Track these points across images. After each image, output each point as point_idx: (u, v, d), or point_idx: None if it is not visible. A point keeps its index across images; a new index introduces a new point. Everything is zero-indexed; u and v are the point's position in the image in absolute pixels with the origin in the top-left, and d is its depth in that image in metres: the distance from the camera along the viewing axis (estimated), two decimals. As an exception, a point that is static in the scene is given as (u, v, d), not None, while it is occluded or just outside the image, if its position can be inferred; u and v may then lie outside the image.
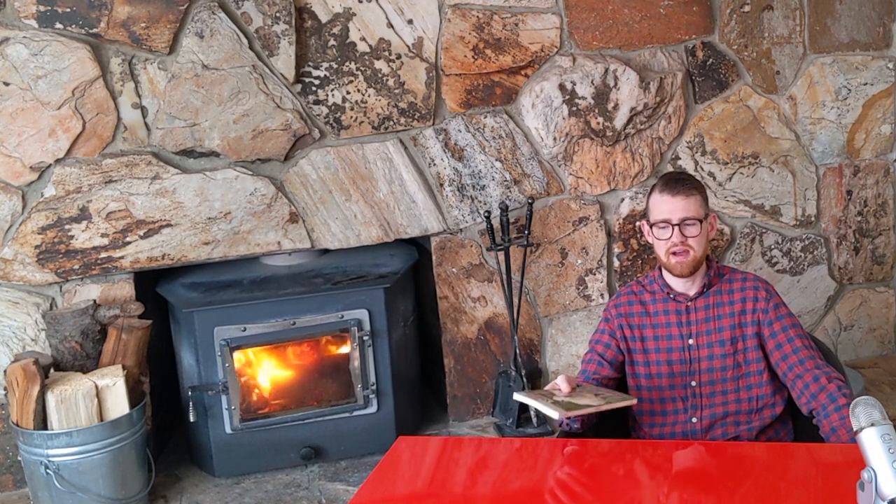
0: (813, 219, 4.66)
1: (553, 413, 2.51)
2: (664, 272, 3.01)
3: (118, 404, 3.62)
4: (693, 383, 2.94)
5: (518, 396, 2.74)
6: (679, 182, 2.94)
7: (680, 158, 4.45)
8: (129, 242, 3.89)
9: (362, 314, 4.00)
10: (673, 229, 2.87)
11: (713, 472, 2.59)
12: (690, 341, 2.95)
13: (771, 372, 2.93)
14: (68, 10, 3.67)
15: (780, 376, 2.91)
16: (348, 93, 4.02)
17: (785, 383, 2.90)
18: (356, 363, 4.03)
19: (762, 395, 2.92)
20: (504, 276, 4.23)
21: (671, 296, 2.99)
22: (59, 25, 3.68)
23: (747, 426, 2.92)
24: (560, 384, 2.71)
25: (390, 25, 4.01)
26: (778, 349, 2.90)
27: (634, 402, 2.69)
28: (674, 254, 2.88)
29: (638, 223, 3.06)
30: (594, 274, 4.42)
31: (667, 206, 2.89)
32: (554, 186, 4.33)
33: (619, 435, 3.02)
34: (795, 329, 2.92)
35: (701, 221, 2.89)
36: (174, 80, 3.81)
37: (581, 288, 4.43)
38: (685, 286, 2.98)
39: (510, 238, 4.20)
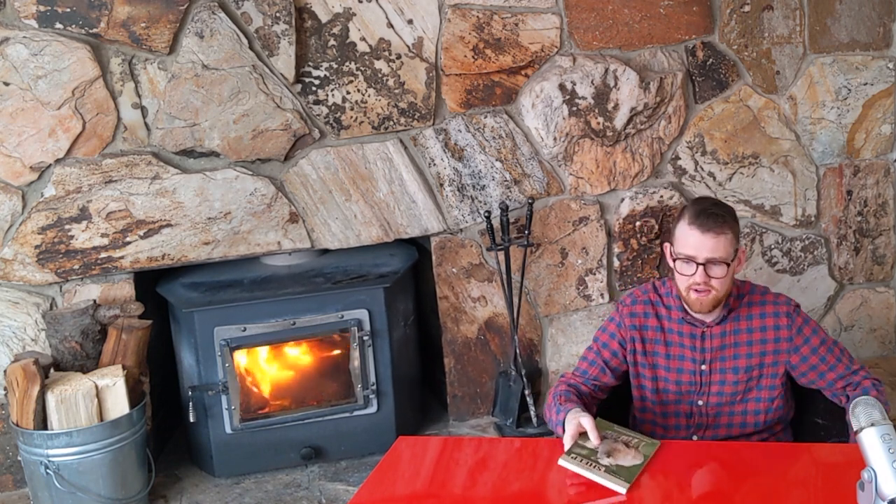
0: (813, 219, 4.66)
1: (620, 487, 2.40)
2: None
3: (118, 404, 3.62)
4: (700, 402, 2.89)
5: (566, 465, 2.52)
6: (712, 217, 2.73)
7: (680, 158, 4.45)
8: (129, 242, 3.89)
9: (362, 314, 4.00)
10: (697, 268, 2.70)
11: (713, 473, 2.59)
12: (703, 367, 2.87)
13: (780, 398, 2.89)
14: (68, 10, 3.67)
15: (817, 389, 2.89)
16: (348, 93, 4.02)
17: (823, 393, 2.89)
18: (356, 363, 4.03)
19: (769, 420, 2.89)
20: (504, 276, 4.23)
21: (687, 319, 2.87)
22: (59, 25, 3.68)
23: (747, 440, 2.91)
24: (590, 434, 2.56)
25: (390, 25, 4.01)
26: (813, 370, 2.85)
27: (659, 444, 2.62)
28: (694, 290, 2.74)
29: (665, 244, 2.92)
30: (594, 274, 4.42)
31: (694, 240, 2.71)
32: (554, 186, 4.33)
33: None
34: (824, 344, 2.85)
35: (728, 264, 2.73)
36: (174, 80, 3.81)
37: (581, 288, 4.43)
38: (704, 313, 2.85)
39: (510, 238, 4.19)
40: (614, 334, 2.96)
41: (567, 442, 2.58)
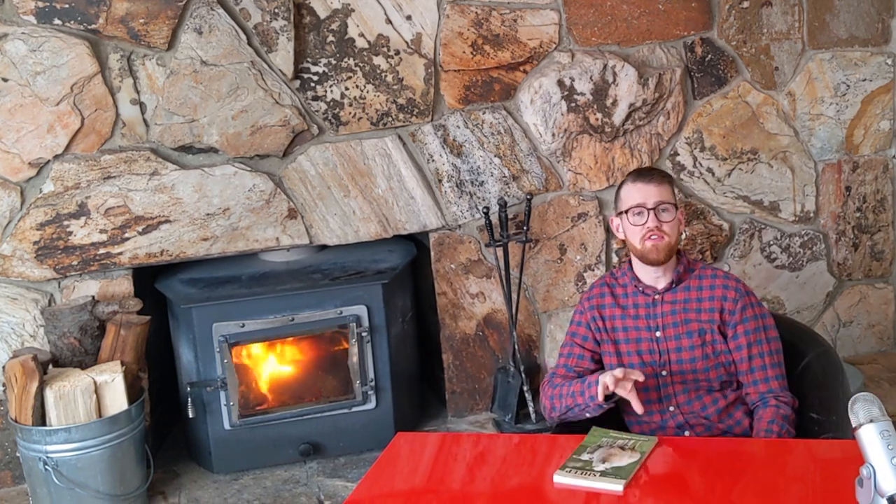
0: (812, 215, 4.66)
1: (616, 486, 2.40)
2: (634, 265, 3.05)
3: (117, 400, 3.62)
4: (664, 373, 2.98)
5: (562, 479, 2.50)
6: (651, 171, 3.04)
7: (679, 154, 4.45)
8: (127, 238, 3.89)
9: (361, 310, 4.00)
10: (648, 214, 2.91)
11: (711, 468, 2.59)
12: (658, 333, 2.99)
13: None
14: (67, 5, 3.67)
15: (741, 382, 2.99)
16: (347, 89, 4.02)
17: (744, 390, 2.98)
18: (355, 359, 4.03)
19: (731, 374, 2.97)
20: (502, 272, 4.23)
21: (640, 288, 3.03)
22: (57, 21, 3.67)
23: (723, 397, 2.95)
24: (633, 375, 2.75)
25: (389, 21, 4.01)
26: (737, 351, 2.96)
27: (656, 440, 2.65)
28: (649, 238, 2.91)
29: (612, 217, 3.10)
30: (593, 270, 4.42)
31: (641, 192, 2.94)
32: (552, 182, 4.33)
33: (614, 422, 3.00)
34: (756, 334, 2.95)
35: (675, 207, 2.95)
36: (173, 75, 3.81)
37: (580, 284, 4.42)
38: (654, 278, 3.02)
39: (509, 234, 4.19)
40: (580, 322, 3.11)
41: (619, 372, 2.74)
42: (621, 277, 3.09)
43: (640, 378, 2.74)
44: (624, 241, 3.08)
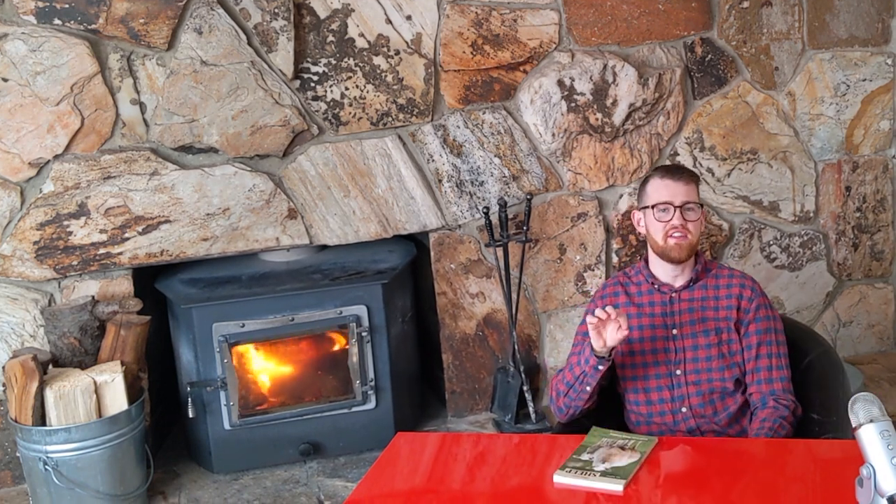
0: (812, 215, 4.66)
1: (616, 486, 2.40)
2: (651, 263, 3.05)
3: (117, 400, 3.62)
4: (678, 372, 2.97)
5: (562, 479, 2.49)
6: (681, 169, 3.05)
7: (679, 154, 4.44)
8: (127, 238, 3.89)
9: (361, 310, 4.00)
10: (675, 211, 2.91)
11: (711, 468, 2.59)
12: (675, 331, 2.99)
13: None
14: (67, 5, 3.66)
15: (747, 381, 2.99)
16: (347, 89, 4.02)
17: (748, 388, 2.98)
18: (355, 359, 4.03)
19: (744, 371, 2.97)
20: (502, 272, 4.23)
21: (656, 286, 3.03)
22: (57, 21, 3.67)
23: (735, 402, 2.95)
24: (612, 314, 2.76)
25: (389, 21, 4.01)
26: (746, 350, 2.96)
27: (656, 440, 2.64)
28: (672, 236, 2.92)
29: (634, 211, 3.09)
30: (592, 270, 4.42)
31: (668, 190, 2.94)
32: (552, 182, 4.33)
33: (614, 422, 3.00)
34: (767, 335, 2.96)
35: (700, 207, 2.97)
36: (173, 75, 3.81)
37: (579, 284, 4.43)
38: (672, 277, 3.02)
39: (509, 234, 4.19)
40: None
41: (602, 313, 2.77)
42: (635, 276, 3.09)
43: (625, 324, 2.76)
44: (641, 237, 3.07)
